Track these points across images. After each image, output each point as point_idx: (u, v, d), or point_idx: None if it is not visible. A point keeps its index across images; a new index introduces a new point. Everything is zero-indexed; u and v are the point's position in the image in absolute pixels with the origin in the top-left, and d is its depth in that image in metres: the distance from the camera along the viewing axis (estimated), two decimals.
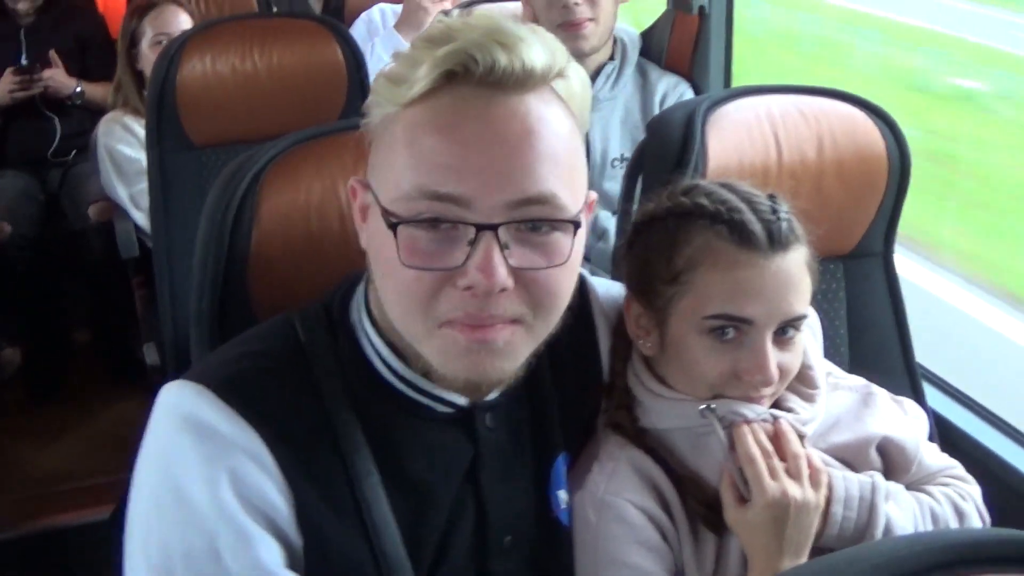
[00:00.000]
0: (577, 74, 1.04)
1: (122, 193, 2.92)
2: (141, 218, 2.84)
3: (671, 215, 1.22)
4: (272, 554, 1.00)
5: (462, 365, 1.00)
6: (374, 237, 1.02)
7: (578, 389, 1.23)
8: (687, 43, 2.35)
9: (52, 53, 3.76)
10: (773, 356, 1.18)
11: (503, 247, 0.96)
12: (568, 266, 1.01)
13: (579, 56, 2.18)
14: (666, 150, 1.48)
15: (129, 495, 1.06)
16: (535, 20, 2.25)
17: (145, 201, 2.78)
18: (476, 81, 0.96)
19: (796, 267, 1.18)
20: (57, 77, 3.74)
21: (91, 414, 3.29)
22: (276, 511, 1.01)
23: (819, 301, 1.61)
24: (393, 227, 0.96)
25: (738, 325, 1.17)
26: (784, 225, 1.18)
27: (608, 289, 1.32)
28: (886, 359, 1.65)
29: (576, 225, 1.00)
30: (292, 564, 1.01)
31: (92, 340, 3.63)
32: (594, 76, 2.28)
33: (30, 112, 3.75)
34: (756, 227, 1.17)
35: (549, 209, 0.98)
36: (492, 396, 1.12)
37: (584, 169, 1.05)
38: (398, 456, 1.08)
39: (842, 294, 1.64)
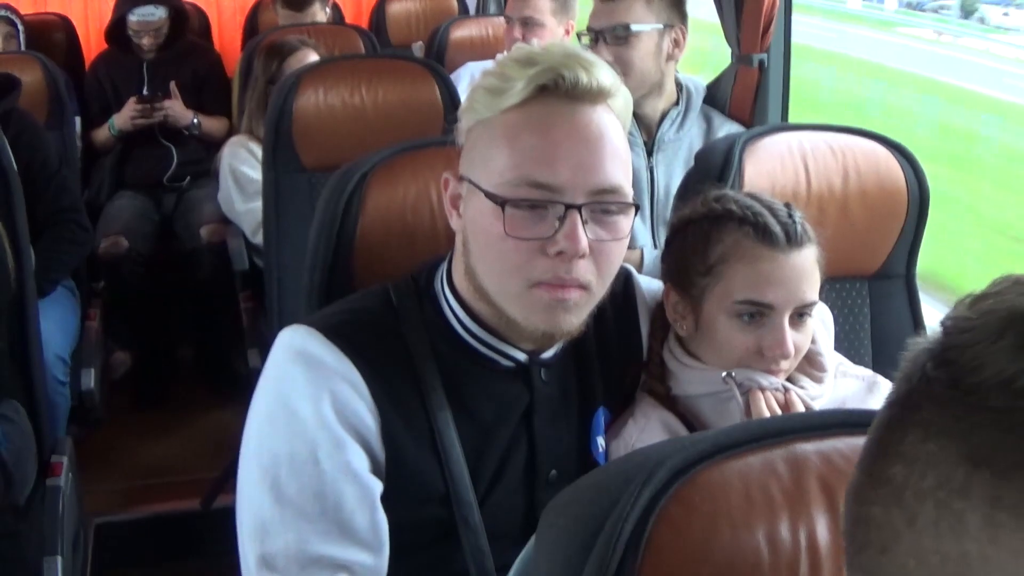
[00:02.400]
0: (623, 95, 1.39)
1: (240, 207, 3.32)
2: (252, 233, 3.24)
3: (705, 218, 1.54)
4: (360, 460, 1.33)
5: (543, 319, 1.34)
6: (474, 217, 1.36)
7: (620, 360, 1.56)
8: (748, 94, 2.67)
9: (172, 85, 4.22)
10: (790, 335, 1.49)
11: (584, 222, 1.30)
12: (624, 241, 1.36)
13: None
14: (708, 175, 1.81)
15: (220, 490, 1.42)
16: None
17: (254, 219, 3.22)
18: (562, 93, 1.32)
19: (809, 262, 1.50)
20: (175, 108, 4.19)
21: (191, 419, 3.70)
22: (366, 428, 1.34)
23: (845, 316, 1.91)
24: (501, 205, 1.30)
25: (762, 309, 1.49)
26: (799, 227, 1.50)
27: (649, 284, 1.65)
28: None
29: (637, 208, 1.36)
30: (375, 472, 1.35)
31: (194, 353, 4.04)
32: (661, 119, 2.59)
33: (150, 140, 4.20)
34: (776, 228, 1.49)
35: (618, 196, 1.33)
36: (547, 355, 1.45)
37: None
38: (466, 397, 1.41)
39: (867, 310, 1.93)
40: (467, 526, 1.38)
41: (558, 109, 1.32)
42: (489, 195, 1.32)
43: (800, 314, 1.51)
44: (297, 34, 3.78)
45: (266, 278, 2.75)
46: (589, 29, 2.57)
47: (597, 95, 1.33)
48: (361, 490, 1.33)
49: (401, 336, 1.41)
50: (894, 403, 0.60)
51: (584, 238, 1.29)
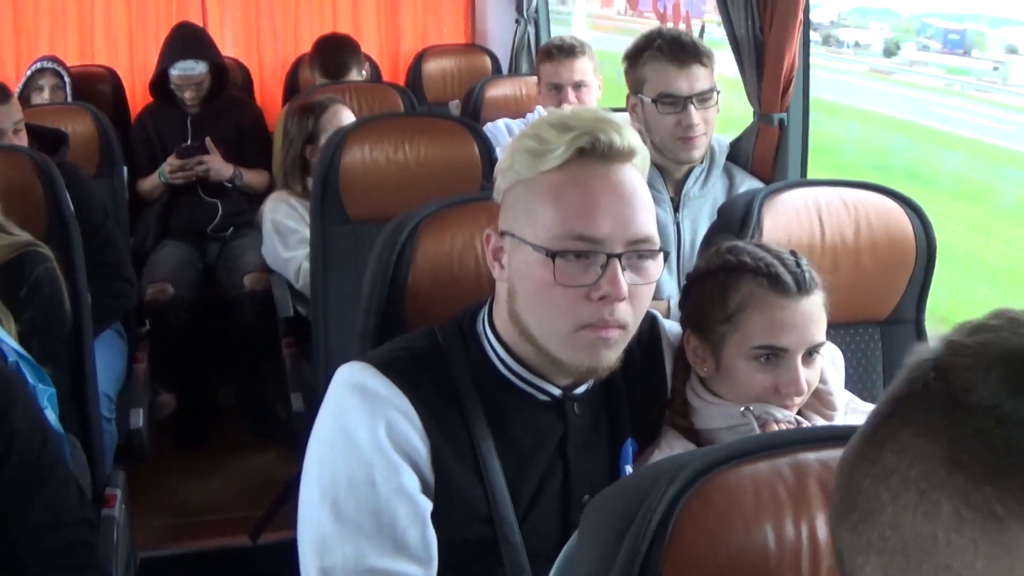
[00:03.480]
0: (643, 153, 1.58)
1: (283, 254, 3.51)
2: (295, 278, 3.43)
3: (721, 270, 1.72)
4: (412, 482, 1.51)
5: (587, 356, 1.52)
6: (521, 267, 1.54)
7: (646, 396, 1.73)
8: (769, 151, 2.86)
9: (208, 140, 4.42)
10: (803, 373, 1.67)
11: (623, 269, 1.48)
12: (653, 284, 1.55)
13: (686, 162, 2.76)
14: (729, 228, 1.99)
15: (265, 526, 1.60)
16: (644, 130, 2.75)
17: (296, 266, 3.42)
18: (598, 155, 1.51)
19: (817, 306, 1.69)
20: (214, 162, 4.38)
21: (232, 460, 3.88)
22: (417, 453, 1.52)
23: (859, 359, 2.08)
24: (552, 257, 1.49)
25: (777, 352, 1.67)
26: (807, 275, 1.68)
27: (672, 327, 1.83)
28: None
29: (666, 255, 1.55)
30: (425, 493, 1.52)
31: (235, 397, 4.23)
32: (686, 176, 2.79)
33: (194, 191, 4.41)
34: (788, 277, 1.67)
35: (650, 244, 1.52)
36: (579, 390, 1.62)
37: None
38: (507, 427, 1.59)
39: (879, 354, 2.10)
40: (508, 543, 1.55)
41: (595, 169, 1.51)
42: (537, 248, 1.50)
43: (810, 353, 1.68)
44: (328, 92, 3.97)
45: (313, 323, 2.94)
46: (669, 95, 2.71)
47: (627, 155, 1.52)
48: (413, 509, 1.50)
49: (447, 372, 1.59)
50: (896, 398, 0.74)
51: (624, 283, 1.48)
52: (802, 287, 1.67)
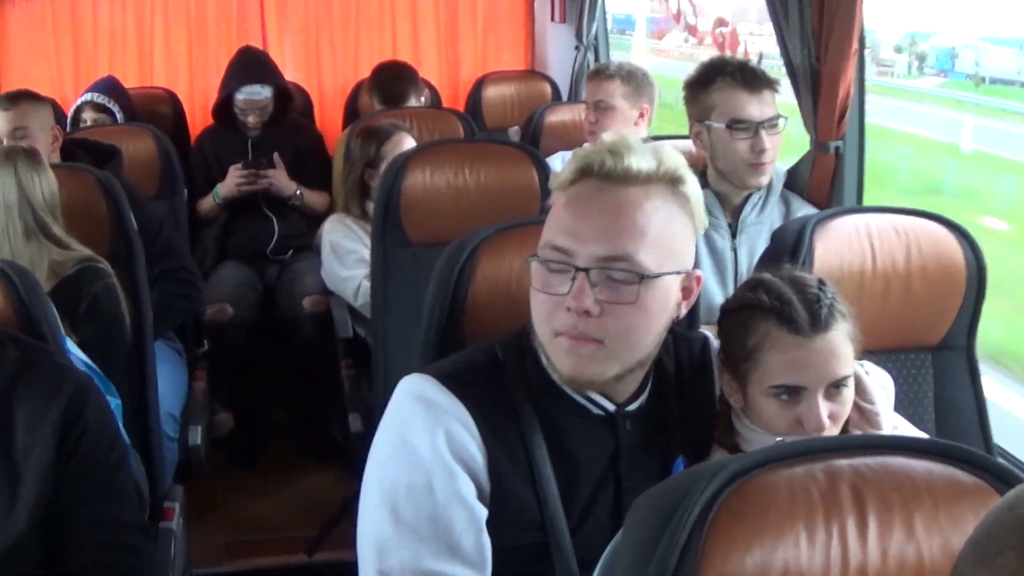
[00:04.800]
0: (692, 183, 1.67)
1: (342, 274, 3.64)
2: (353, 297, 3.57)
3: (742, 308, 1.80)
4: (469, 490, 1.62)
5: (567, 364, 1.63)
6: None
7: (696, 416, 1.83)
8: (825, 178, 2.96)
9: (276, 155, 4.60)
10: (825, 408, 1.72)
11: (592, 285, 1.59)
12: (637, 307, 1.60)
13: (755, 188, 2.86)
14: (781, 254, 2.10)
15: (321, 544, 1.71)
16: (710, 157, 2.88)
17: (355, 285, 3.56)
18: (597, 175, 1.62)
19: (838, 341, 1.73)
20: (279, 177, 4.57)
21: (287, 480, 4.04)
22: (475, 462, 1.63)
23: (910, 384, 2.16)
24: (528, 263, 1.63)
25: (795, 390, 1.73)
26: (825, 311, 1.72)
27: None
28: (968, 439, 2.18)
29: (642, 277, 1.60)
30: (481, 500, 1.63)
31: (290, 418, 4.37)
32: (743, 202, 2.88)
33: (253, 211, 4.59)
34: (802, 316, 1.71)
35: (626, 265, 1.59)
36: (632, 407, 1.73)
37: (682, 247, 1.67)
38: (561, 440, 1.69)
39: (930, 379, 2.19)
40: (560, 551, 1.65)
41: (592, 188, 1.62)
42: (531, 256, 1.65)
43: (836, 386, 1.74)
44: (391, 118, 4.11)
45: (372, 344, 3.09)
46: (742, 121, 2.80)
47: (624, 177, 1.61)
48: (469, 515, 1.61)
49: (505, 385, 1.71)
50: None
51: (588, 298, 1.58)
52: (818, 324, 1.71)
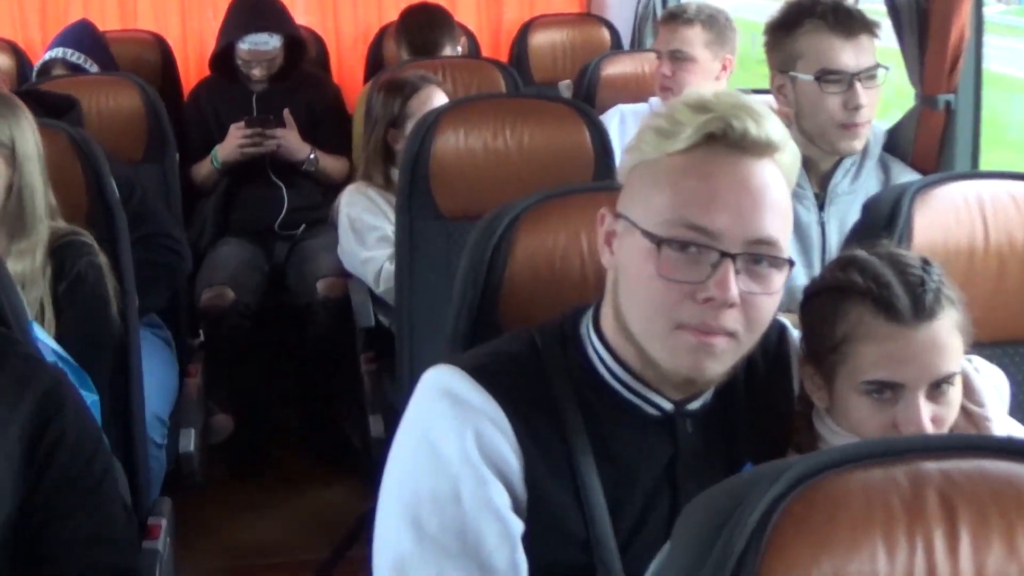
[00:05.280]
0: (791, 151, 1.71)
1: (362, 255, 3.69)
2: (375, 282, 3.62)
3: (831, 290, 1.82)
4: (502, 499, 1.66)
5: (686, 362, 1.65)
6: (628, 255, 1.69)
7: (770, 416, 1.86)
8: (933, 140, 2.96)
9: (286, 112, 4.64)
10: (927, 410, 1.73)
11: (736, 272, 1.62)
12: (776, 297, 1.67)
13: (847, 153, 2.86)
14: (874, 228, 2.12)
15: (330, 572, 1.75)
16: (795, 115, 2.87)
17: (376, 267, 3.60)
18: (730, 143, 1.64)
19: (945, 332, 1.74)
20: (289, 138, 4.62)
21: (298, 494, 4.10)
22: (509, 467, 1.67)
23: None
24: (657, 245, 1.63)
25: (892, 387, 1.75)
26: (931, 296, 1.73)
27: None
28: None
29: (791, 264, 1.67)
30: (516, 512, 1.67)
31: (300, 421, 4.45)
32: (832, 170, 2.89)
33: (259, 179, 4.65)
34: (902, 301, 1.72)
35: (774, 249, 1.64)
36: (693, 406, 1.77)
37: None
38: (609, 443, 1.73)
39: None
40: (607, 572, 1.70)
41: (724, 158, 1.64)
42: (646, 234, 1.65)
43: (938, 385, 1.75)
44: (421, 69, 4.14)
45: (397, 334, 3.15)
46: (834, 72, 2.79)
47: (764, 148, 1.65)
48: (502, 528, 1.65)
49: (545, 379, 1.75)
50: None
51: (734, 288, 1.60)
52: (922, 311, 1.72)
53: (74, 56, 4.79)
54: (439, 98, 3.84)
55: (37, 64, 4.90)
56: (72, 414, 1.92)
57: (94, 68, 4.80)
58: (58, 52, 4.81)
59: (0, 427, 1.83)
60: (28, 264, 2.68)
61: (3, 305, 2.16)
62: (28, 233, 2.70)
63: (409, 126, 3.75)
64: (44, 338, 2.45)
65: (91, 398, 2.42)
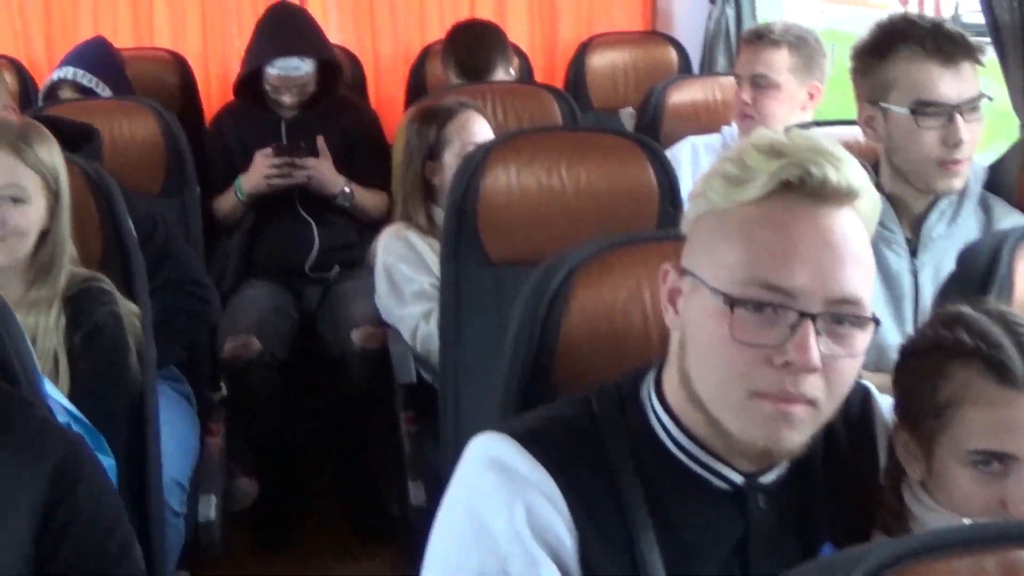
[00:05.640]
0: (871, 196, 1.74)
1: (397, 311, 3.73)
2: (411, 339, 3.66)
3: (934, 349, 1.83)
4: None
5: (763, 432, 1.68)
6: (696, 316, 1.73)
7: (852, 491, 1.89)
8: None
9: (320, 140, 4.69)
10: None
11: (817, 333, 1.65)
12: (859, 359, 1.70)
13: (944, 193, 2.85)
14: (969, 280, 2.14)
15: None
16: (885, 150, 2.89)
17: (412, 325, 3.65)
18: (807, 191, 1.67)
19: None
20: (322, 169, 4.67)
21: (327, 567, 4.12)
22: (562, 545, 1.71)
23: None
24: (730, 306, 1.67)
25: (1003, 459, 1.75)
26: None
27: (891, 407, 1.97)
28: None
29: (876, 322, 1.70)
30: None
31: (332, 487, 4.47)
32: (926, 212, 2.87)
33: (287, 214, 4.70)
34: (1017, 364, 1.74)
35: (857, 308, 1.67)
36: (766, 479, 1.80)
37: None
38: (672, 519, 1.77)
39: None
40: None
41: (801, 208, 1.68)
42: (717, 293, 1.68)
43: None
44: (465, 95, 4.19)
45: (440, 392, 3.19)
46: (932, 103, 2.77)
47: (845, 196, 1.69)
48: None
49: (602, 448, 1.79)
50: None
51: (815, 351, 1.63)
52: None
53: (85, 78, 4.78)
54: (479, 125, 3.90)
55: (44, 85, 4.92)
56: (89, 485, 1.95)
57: (107, 92, 4.80)
58: (67, 72, 4.82)
59: (12, 497, 1.87)
60: (43, 314, 2.75)
61: (12, 360, 2.19)
62: (50, 282, 2.79)
63: (446, 156, 3.85)
64: (57, 396, 2.50)
65: (107, 462, 2.48)
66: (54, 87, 4.81)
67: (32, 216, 2.79)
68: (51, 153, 2.83)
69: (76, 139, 3.62)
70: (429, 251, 3.73)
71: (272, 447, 4.34)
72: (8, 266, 2.78)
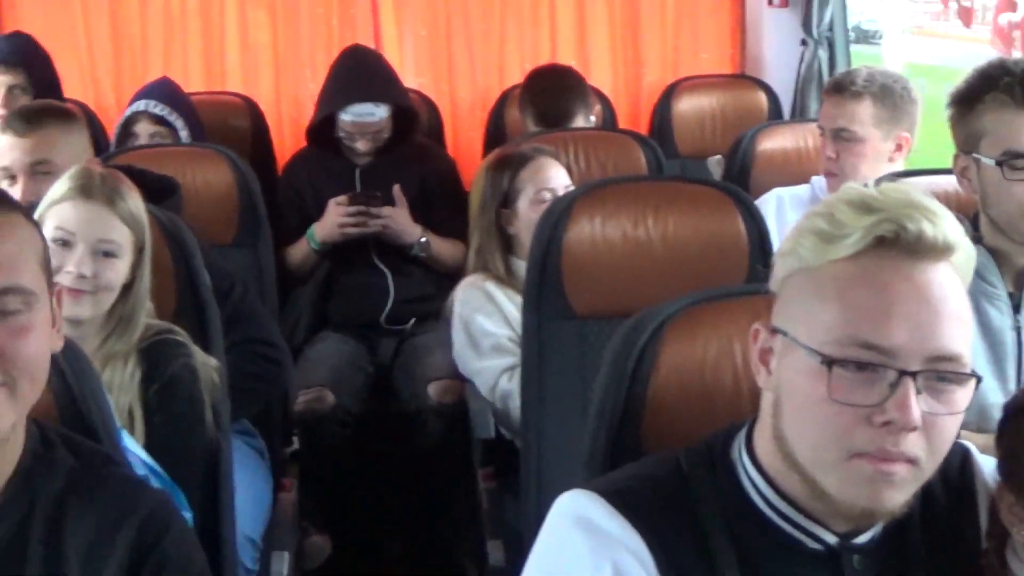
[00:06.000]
0: (966, 250, 1.79)
1: (473, 364, 3.79)
2: (489, 394, 3.70)
3: None
4: None
5: (863, 493, 1.72)
6: (791, 376, 1.77)
7: (951, 553, 1.92)
8: None
9: (396, 188, 4.76)
10: None
11: (917, 391, 1.69)
12: (960, 416, 1.74)
13: None
14: None
15: None
16: (980, 201, 2.87)
17: (490, 380, 3.70)
18: (902, 247, 1.72)
19: None
20: (398, 218, 4.74)
21: None
22: None
23: None
24: (828, 366, 1.71)
25: None
26: None
27: (993, 468, 1.99)
28: None
29: (978, 379, 1.74)
30: None
31: (407, 545, 4.51)
32: None
33: (362, 265, 4.78)
34: None
35: (957, 366, 1.72)
36: (861, 539, 1.84)
37: None
38: None
39: None
40: None
41: (896, 264, 1.72)
42: (813, 353, 1.73)
43: None
44: (545, 142, 4.23)
45: (522, 447, 3.24)
46: (1021, 155, 2.76)
47: (941, 251, 1.73)
48: None
49: (691, 508, 1.83)
50: None
51: (916, 410, 1.67)
52: None
53: (162, 109, 4.90)
54: (554, 171, 3.95)
55: (118, 124, 5.01)
56: (177, 541, 1.99)
57: (181, 124, 4.92)
58: (143, 105, 4.95)
59: (99, 555, 1.93)
60: (119, 368, 2.82)
61: (92, 414, 2.26)
62: (126, 335, 2.87)
63: (520, 204, 3.91)
64: (136, 450, 2.57)
65: (185, 515, 2.47)
66: (129, 122, 4.92)
67: (121, 270, 2.87)
68: (139, 206, 2.92)
69: (159, 191, 3.68)
70: (508, 302, 3.79)
71: (345, 504, 4.37)
72: (91, 320, 2.86)
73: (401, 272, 4.80)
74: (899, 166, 3.97)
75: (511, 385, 3.55)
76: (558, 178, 3.97)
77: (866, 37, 7.10)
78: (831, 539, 1.82)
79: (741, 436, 1.90)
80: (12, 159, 3.57)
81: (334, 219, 4.75)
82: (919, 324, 1.69)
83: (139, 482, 2.11)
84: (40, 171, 3.52)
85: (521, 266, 3.80)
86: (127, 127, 4.92)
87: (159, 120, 4.88)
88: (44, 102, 4.15)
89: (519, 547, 3.16)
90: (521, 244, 3.91)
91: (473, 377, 3.83)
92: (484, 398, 3.77)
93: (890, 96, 3.97)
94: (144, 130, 4.87)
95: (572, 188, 3.89)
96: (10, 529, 1.94)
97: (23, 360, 1.88)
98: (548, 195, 3.88)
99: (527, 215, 3.89)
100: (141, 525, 1.94)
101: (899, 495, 1.72)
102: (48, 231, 2.78)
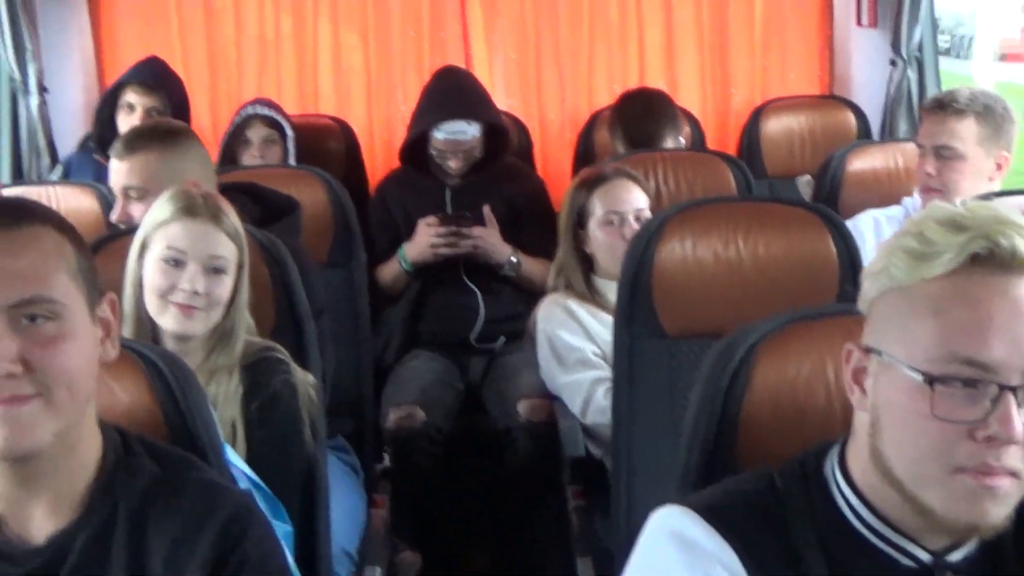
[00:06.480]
0: None
1: (561, 379, 3.83)
2: (578, 409, 3.75)
3: None
4: None
5: (966, 508, 1.74)
6: (890, 395, 1.79)
7: None
8: None
9: (486, 209, 4.81)
10: None
11: (1019, 405, 1.71)
12: None
13: None
14: None
15: None
16: None
17: (578, 394, 3.75)
18: (996, 263, 1.74)
19: None
20: (489, 238, 4.79)
21: None
22: None
23: None
24: (930, 383, 1.72)
25: None
26: None
27: None
28: None
29: None
30: None
31: (498, 559, 4.55)
32: None
33: (452, 284, 4.83)
34: None
35: None
36: (955, 556, 1.86)
37: None
38: None
39: None
40: None
41: (991, 280, 1.74)
42: (914, 371, 1.75)
43: None
44: (634, 163, 4.28)
45: (613, 466, 3.27)
46: None
47: None
48: None
49: (785, 523, 1.86)
50: None
51: (1019, 423, 1.70)
52: None
53: (266, 110, 5.10)
54: (627, 193, 4.01)
55: (231, 125, 5.16)
56: (257, 541, 2.01)
57: (287, 124, 5.12)
58: (252, 109, 5.15)
59: (181, 554, 1.96)
60: (223, 382, 2.90)
61: (198, 427, 2.31)
62: (228, 350, 2.94)
63: (591, 224, 3.98)
64: (238, 463, 2.63)
65: (283, 528, 2.61)
66: (239, 128, 5.11)
67: (228, 286, 2.95)
68: (238, 223, 3.00)
69: (279, 209, 3.83)
70: (590, 318, 3.85)
71: (435, 521, 4.41)
72: (200, 335, 2.94)
73: (491, 291, 4.84)
74: (997, 185, 3.98)
75: (608, 402, 3.53)
76: (630, 201, 4.02)
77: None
78: (924, 556, 1.84)
79: (834, 454, 1.92)
80: (113, 181, 3.67)
81: (425, 239, 4.79)
82: (1017, 339, 1.71)
83: (220, 484, 2.13)
84: (132, 196, 3.59)
85: (602, 284, 3.92)
86: (240, 130, 5.11)
87: (269, 122, 5.12)
88: (150, 124, 4.26)
89: (609, 565, 3.24)
90: (598, 263, 3.98)
91: (560, 392, 3.88)
92: (574, 416, 3.81)
93: (992, 115, 3.96)
94: (256, 135, 5.11)
95: (645, 211, 3.99)
96: (94, 533, 1.98)
97: (55, 370, 1.88)
98: (615, 218, 3.96)
99: (596, 235, 3.98)
100: (223, 526, 1.97)
101: (1002, 509, 1.74)
102: (158, 252, 2.91)
